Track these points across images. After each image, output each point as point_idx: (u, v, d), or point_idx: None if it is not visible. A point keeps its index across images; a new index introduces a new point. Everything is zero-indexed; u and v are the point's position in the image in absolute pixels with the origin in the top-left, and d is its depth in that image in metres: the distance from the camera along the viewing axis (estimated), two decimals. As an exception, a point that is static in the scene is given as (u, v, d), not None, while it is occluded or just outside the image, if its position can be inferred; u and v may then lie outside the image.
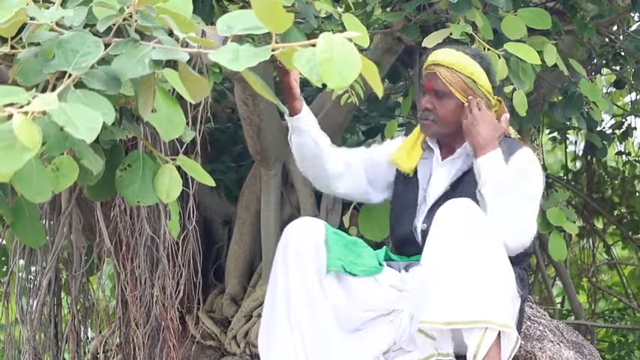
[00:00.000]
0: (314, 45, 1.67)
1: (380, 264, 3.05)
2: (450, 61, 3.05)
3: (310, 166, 3.12)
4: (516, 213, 2.92)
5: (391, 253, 3.13)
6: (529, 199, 2.98)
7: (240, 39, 1.90)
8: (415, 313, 2.91)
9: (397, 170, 3.19)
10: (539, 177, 3.05)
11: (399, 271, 3.05)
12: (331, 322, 2.97)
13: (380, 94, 1.73)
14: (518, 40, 3.31)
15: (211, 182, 2.18)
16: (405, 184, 3.16)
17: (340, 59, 1.62)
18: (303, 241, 2.97)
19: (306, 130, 3.03)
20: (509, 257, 2.89)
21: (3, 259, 4.72)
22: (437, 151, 3.14)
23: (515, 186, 2.95)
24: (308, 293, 2.95)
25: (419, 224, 3.09)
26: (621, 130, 5.66)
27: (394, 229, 3.19)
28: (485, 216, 2.86)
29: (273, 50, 1.73)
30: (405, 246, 3.11)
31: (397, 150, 3.19)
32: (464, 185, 3.04)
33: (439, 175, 3.11)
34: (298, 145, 3.06)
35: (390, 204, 3.23)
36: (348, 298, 3.00)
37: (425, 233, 3.00)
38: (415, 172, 3.14)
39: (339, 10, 3.28)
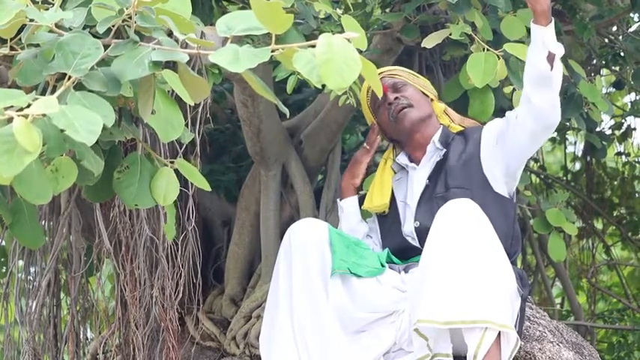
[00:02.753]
0: (313, 46, 1.67)
1: (382, 265, 3.05)
2: (388, 68, 3.33)
3: None
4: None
5: (392, 256, 3.13)
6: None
7: (239, 40, 1.90)
8: (411, 312, 2.91)
9: (377, 216, 3.30)
10: None
11: (399, 273, 3.06)
12: (334, 324, 2.97)
13: (380, 94, 1.74)
14: (517, 41, 3.31)
15: (207, 187, 2.19)
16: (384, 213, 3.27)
17: (340, 60, 1.62)
18: (308, 242, 2.98)
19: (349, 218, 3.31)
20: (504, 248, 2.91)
21: (2, 259, 4.71)
22: (409, 163, 3.24)
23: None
24: (311, 294, 2.95)
25: (410, 226, 3.12)
26: (621, 131, 5.65)
27: (388, 245, 3.22)
28: (485, 216, 2.86)
29: (272, 51, 1.73)
30: (403, 252, 3.14)
31: (367, 199, 3.29)
32: (440, 175, 3.12)
33: (417, 177, 3.18)
34: (348, 231, 3.28)
35: (379, 231, 3.30)
36: (351, 300, 3.00)
37: (419, 230, 3.05)
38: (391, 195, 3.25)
39: (339, 11, 3.28)
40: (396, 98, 3.19)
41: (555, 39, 2.96)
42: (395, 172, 3.27)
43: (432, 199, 3.07)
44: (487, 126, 3.17)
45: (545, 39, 2.94)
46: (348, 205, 3.32)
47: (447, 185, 3.08)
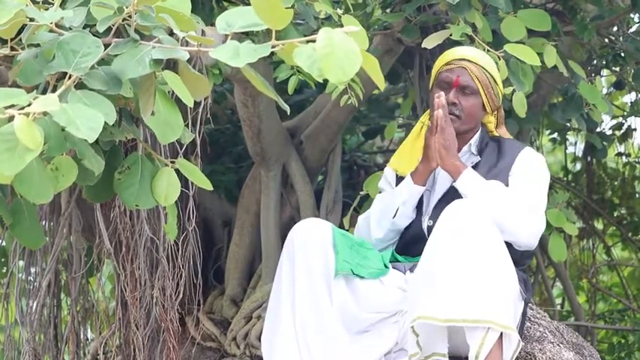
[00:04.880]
0: (314, 41, 1.67)
1: (386, 266, 3.05)
2: (478, 58, 3.09)
3: (390, 239, 3.19)
4: (517, 212, 2.95)
5: (397, 254, 3.12)
6: (533, 194, 3.03)
7: (240, 39, 1.90)
8: (410, 309, 2.89)
9: (397, 177, 3.19)
10: (544, 172, 3.12)
11: (404, 272, 3.05)
12: (337, 325, 2.96)
13: (382, 87, 1.73)
14: (518, 42, 3.31)
15: (209, 186, 2.19)
16: None
17: (341, 53, 1.62)
18: (311, 243, 2.96)
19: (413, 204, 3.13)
20: (512, 257, 2.89)
21: (3, 260, 4.71)
22: None
23: (504, 187, 3.02)
24: (314, 296, 2.94)
25: (425, 221, 3.10)
26: (621, 132, 5.65)
27: (403, 232, 3.18)
28: (489, 217, 2.86)
29: (273, 47, 1.73)
30: (414, 245, 3.10)
31: (395, 157, 3.19)
32: None
33: (443, 173, 3.11)
34: (401, 214, 3.12)
35: None
36: (354, 300, 2.99)
37: (431, 229, 3.02)
38: None
39: (339, 11, 3.28)
40: (453, 103, 3.05)
41: (470, 189, 2.98)
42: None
43: (452, 202, 3.02)
44: (520, 159, 3.10)
45: (461, 191, 3.00)
46: (419, 192, 3.13)
47: None
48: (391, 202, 3.14)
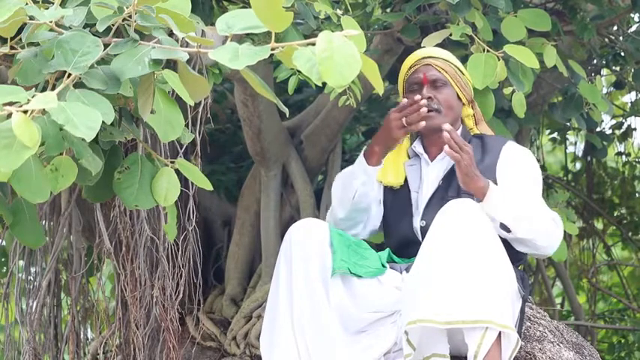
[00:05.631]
0: (313, 44, 1.67)
1: (383, 265, 3.05)
2: (438, 53, 3.14)
3: (353, 218, 3.17)
4: (548, 230, 2.97)
5: (393, 255, 3.12)
6: (537, 196, 3.04)
7: (239, 39, 1.91)
8: (405, 310, 2.89)
9: (384, 187, 3.20)
10: (537, 167, 3.13)
11: (400, 273, 3.05)
12: (334, 324, 2.96)
13: (381, 91, 1.74)
14: (517, 42, 3.31)
15: (209, 186, 2.19)
16: (395, 193, 3.17)
17: (340, 57, 1.63)
18: (308, 243, 2.97)
19: (373, 183, 3.13)
20: (508, 253, 2.89)
21: (3, 259, 4.71)
22: (424, 154, 3.16)
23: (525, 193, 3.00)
24: (311, 295, 2.94)
25: (417, 223, 3.10)
26: (621, 131, 5.65)
27: (393, 235, 3.18)
28: (486, 216, 2.86)
29: (272, 49, 1.73)
30: (406, 247, 3.10)
31: (381, 171, 3.18)
32: (454, 179, 3.03)
33: (430, 173, 3.13)
34: (362, 194, 3.12)
35: (383, 215, 3.22)
36: (352, 300, 2.99)
37: (424, 230, 3.02)
38: (404, 180, 3.17)
39: (339, 11, 3.27)
40: (430, 98, 3.07)
41: (498, 210, 2.89)
42: (409, 158, 3.20)
43: (442, 201, 3.01)
44: (507, 156, 3.09)
45: (488, 213, 2.90)
46: (375, 171, 3.14)
47: (460, 190, 3.04)
48: (349, 184, 3.15)
